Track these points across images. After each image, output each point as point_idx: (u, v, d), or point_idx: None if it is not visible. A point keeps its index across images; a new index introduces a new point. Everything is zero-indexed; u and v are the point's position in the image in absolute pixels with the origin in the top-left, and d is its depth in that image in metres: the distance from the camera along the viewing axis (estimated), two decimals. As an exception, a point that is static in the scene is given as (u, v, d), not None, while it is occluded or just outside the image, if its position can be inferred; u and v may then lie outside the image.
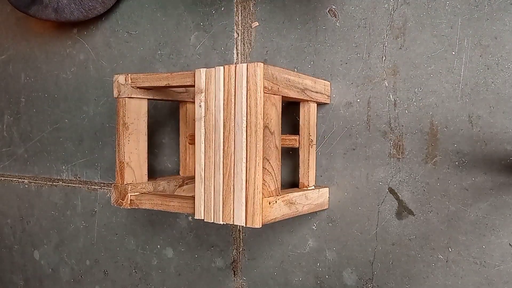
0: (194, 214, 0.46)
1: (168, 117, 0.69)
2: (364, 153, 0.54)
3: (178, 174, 0.62)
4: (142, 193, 0.52)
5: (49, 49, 0.80)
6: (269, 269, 0.62)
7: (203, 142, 0.45)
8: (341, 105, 0.55)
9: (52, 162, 0.82)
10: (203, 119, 0.45)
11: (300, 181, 0.54)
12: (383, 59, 0.53)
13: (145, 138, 0.54)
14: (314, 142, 0.54)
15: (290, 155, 0.60)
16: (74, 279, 0.82)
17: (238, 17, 0.62)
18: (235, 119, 0.43)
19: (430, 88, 0.50)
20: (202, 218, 0.45)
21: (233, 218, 0.43)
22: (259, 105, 0.41)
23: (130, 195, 0.51)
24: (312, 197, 0.52)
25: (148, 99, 0.53)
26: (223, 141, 0.44)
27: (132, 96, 0.51)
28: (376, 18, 0.53)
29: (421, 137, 0.51)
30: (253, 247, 0.63)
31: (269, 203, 0.43)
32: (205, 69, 0.45)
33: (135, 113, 0.53)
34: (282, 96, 0.45)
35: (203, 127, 0.45)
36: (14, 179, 0.88)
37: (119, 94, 0.51)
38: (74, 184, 0.80)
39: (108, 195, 0.76)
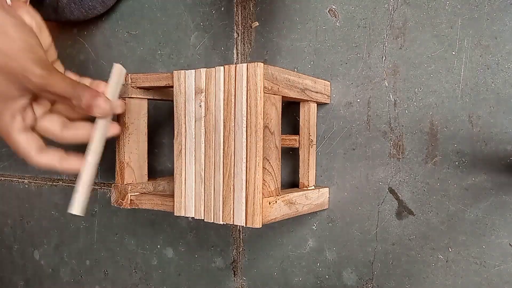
0: (194, 214, 0.46)
1: (168, 117, 0.69)
2: (364, 153, 0.54)
3: (178, 174, 0.62)
4: (142, 193, 0.52)
5: (49, 49, 0.80)
6: (269, 269, 0.62)
7: (203, 142, 0.45)
8: (341, 105, 0.55)
9: (52, 162, 0.82)
10: (203, 119, 0.45)
11: (300, 181, 0.54)
12: (383, 59, 0.53)
13: (145, 138, 0.54)
14: (314, 142, 0.54)
15: (290, 155, 0.60)
16: (74, 279, 0.82)
17: (238, 17, 0.62)
18: (235, 119, 0.43)
19: (430, 88, 0.50)
20: (202, 218, 0.45)
21: (233, 218, 0.43)
22: (259, 105, 0.41)
23: (130, 195, 0.51)
24: (312, 197, 0.52)
25: (148, 99, 0.53)
26: (223, 141, 0.44)
27: (132, 96, 0.51)
28: (376, 18, 0.53)
29: (421, 137, 0.51)
30: (253, 247, 0.63)
31: (269, 203, 0.43)
32: (205, 69, 0.45)
33: (135, 113, 0.53)
34: (282, 96, 0.45)
35: (203, 127, 0.45)
36: (14, 179, 0.88)
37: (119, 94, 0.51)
38: (74, 184, 0.80)
39: (108, 195, 0.76)
